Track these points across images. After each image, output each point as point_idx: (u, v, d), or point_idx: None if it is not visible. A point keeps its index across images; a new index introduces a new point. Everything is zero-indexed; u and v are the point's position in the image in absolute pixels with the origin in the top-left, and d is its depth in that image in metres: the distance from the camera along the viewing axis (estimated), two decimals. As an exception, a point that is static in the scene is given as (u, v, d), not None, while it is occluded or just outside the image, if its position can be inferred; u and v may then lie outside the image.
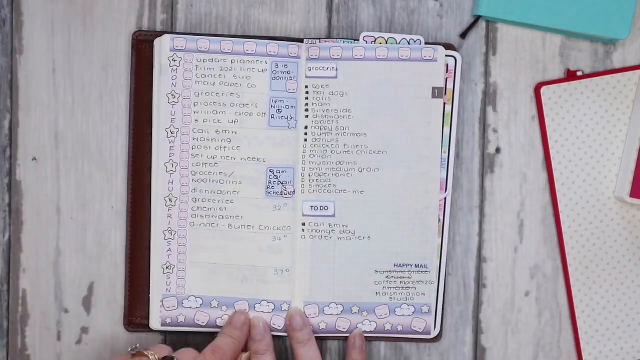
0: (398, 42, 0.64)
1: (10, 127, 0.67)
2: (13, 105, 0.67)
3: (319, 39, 0.65)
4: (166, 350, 0.61)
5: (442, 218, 0.66)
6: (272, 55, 0.65)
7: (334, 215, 0.66)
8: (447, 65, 0.65)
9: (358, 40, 0.65)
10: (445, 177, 0.65)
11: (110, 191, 0.67)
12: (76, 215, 0.67)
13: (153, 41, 0.65)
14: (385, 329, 0.66)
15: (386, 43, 0.64)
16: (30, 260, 0.67)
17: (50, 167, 0.67)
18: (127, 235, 0.66)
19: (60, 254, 0.67)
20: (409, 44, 0.65)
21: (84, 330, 0.67)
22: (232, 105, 0.65)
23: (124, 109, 0.67)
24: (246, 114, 0.65)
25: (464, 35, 0.67)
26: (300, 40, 0.65)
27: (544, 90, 0.67)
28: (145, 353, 0.59)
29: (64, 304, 0.67)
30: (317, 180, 0.66)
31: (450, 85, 0.65)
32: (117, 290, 0.67)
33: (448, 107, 0.65)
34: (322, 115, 0.65)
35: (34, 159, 0.67)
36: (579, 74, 0.67)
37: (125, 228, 0.67)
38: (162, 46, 0.65)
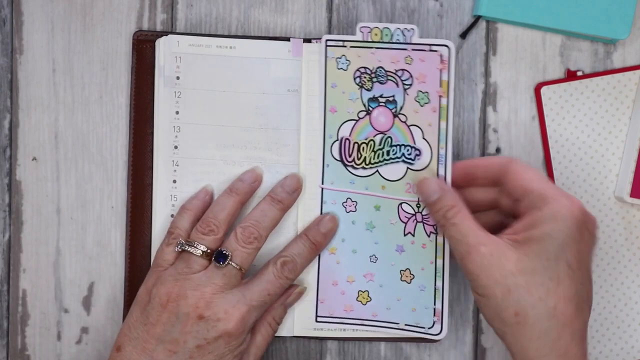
0: (392, 31, 0.62)
1: (10, 127, 0.67)
2: (13, 105, 0.67)
3: (319, 38, 0.65)
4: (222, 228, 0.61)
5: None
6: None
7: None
8: (441, 56, 0.63)
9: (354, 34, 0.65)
10: (444, 173, 0.64)
11: (110, 191, 0.67)
12: (76, 215, 0.67)
13: (153, 41, 0.65)
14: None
15: (381, 33, 0.63)
16: (30, 260, 0.67)
17: (50, 167, 0.67)
18: (127, 235, 0.66)
19: (60, 254, 0.67)
20: (403, 34, 0.63)
21: (84, 330, 0.67)
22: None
23: (124, 109, 0.67)
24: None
25: (464, 35, 0.67)
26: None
27: (544, 90, 0.67)
28: (191, 250, 0.60)
29: (64, 304, 0.67)
30: (317, 180, 0.66)
31: (444, 77, 0.63)
32: (117, 290, 0.67)
33: (444, 101, 0.63)
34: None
35: (34, 158, 0.67)
36: (579, 73, 0.67)
37: (125, 228, 0.67)
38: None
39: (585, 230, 0.56)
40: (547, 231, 0.54)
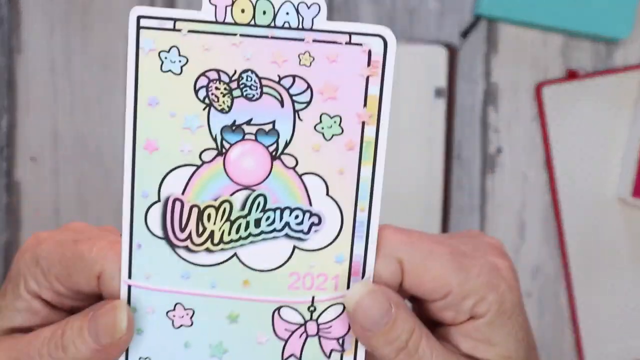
0: (275, 5, 0.35)
1: (8, 127, 0.66)
2: (11, 105, 0.66)
3: (320, 38, 0.64)
4: None
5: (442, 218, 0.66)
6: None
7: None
8: (369, 53, 0.34)
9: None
10: (363, 254, 0.36)
11: (109, 191, 0.67)
12: (75, 215, 0.66)
13: (153, 41, 0.65)
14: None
15: (253, 7, 0.34)
16: (28, 261, 0.67)
17: (49, 167, 0.66)
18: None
19: (59, 254, 0.67)
20: (297, 11, 0.35)
21: (83, 331, 0.67)
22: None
23: (124, 109, 0.66)
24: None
25: (464, 34, 0.67)
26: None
27: (545, 89, 0.67)
28: None
29: (63, 305, 0.67)
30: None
31: (374, 90, 0.35)
32: (117, 291, 0.67)
33: (370, 130, 0.35)
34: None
35: (33, 159, 0.66)
36: (581, 73, 0.67)
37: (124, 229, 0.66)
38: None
39: (519, 293, 0.41)
40: (504, 347, 0.39)
